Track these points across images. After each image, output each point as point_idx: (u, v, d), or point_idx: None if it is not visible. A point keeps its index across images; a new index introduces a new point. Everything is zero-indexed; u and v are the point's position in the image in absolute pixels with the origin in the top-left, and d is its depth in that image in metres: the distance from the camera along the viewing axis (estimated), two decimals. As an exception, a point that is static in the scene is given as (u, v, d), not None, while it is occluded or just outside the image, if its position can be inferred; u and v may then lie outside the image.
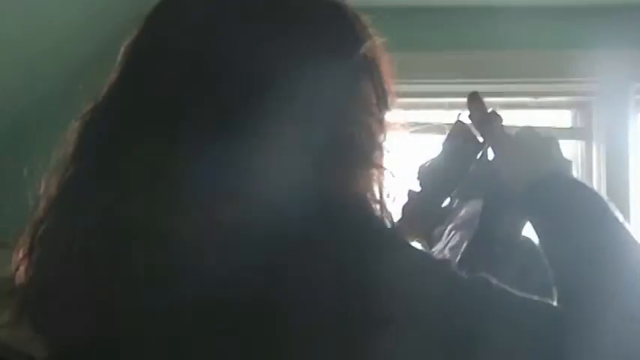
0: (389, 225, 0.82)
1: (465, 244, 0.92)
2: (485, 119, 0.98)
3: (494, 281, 0.77)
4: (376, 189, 0.84)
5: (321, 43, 0.84)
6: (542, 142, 0.96)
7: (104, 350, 0.77)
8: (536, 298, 0.78)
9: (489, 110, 1.00)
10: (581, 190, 0.91)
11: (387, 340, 0.70)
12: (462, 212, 0.97)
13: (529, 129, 0.98)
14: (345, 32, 0.87)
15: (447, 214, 0.97)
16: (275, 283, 0.72)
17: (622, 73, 2.47)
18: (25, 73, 2.27)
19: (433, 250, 0.97)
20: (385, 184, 0.85)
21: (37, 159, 0.85)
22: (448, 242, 0.96)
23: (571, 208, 0.89)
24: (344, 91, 0.84)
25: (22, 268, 0.83)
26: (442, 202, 0.96)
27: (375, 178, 0.84)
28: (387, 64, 0.90)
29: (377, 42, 0.90)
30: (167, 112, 0.79)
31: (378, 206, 0.83)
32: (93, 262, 0.77)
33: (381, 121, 0.88)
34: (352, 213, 0.78)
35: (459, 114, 0.98)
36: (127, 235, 0.75)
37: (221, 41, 0.80)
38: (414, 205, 0.94)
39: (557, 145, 0.96)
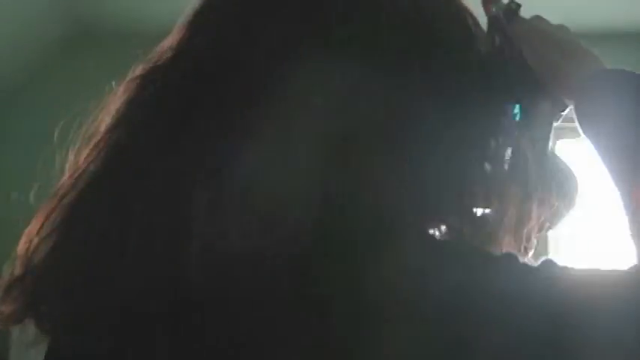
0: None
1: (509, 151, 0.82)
2: (506, 14, 0.87)
3: (502, 283, 0.66)
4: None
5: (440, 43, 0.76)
6: (564, 32, 0.86)
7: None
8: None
9: (506, 1, 0.89)
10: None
11: (383, 341, 0.63)
12: None
13: (541, 19, 0.88)
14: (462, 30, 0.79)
15: None
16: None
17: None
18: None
19: None
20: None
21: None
22: None
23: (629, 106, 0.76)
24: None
25: (36, 254, 0.71)
26: None
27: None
28: None
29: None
30: (219, 97, 0.70)
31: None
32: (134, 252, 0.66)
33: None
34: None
35: (493, 8, 0.88)
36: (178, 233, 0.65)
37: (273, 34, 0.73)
38: None
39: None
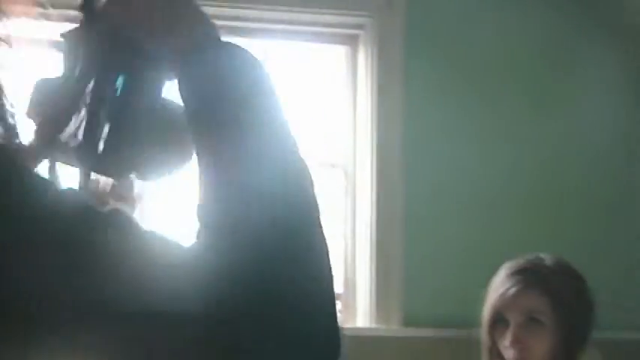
0: None
1: (107, 124, 0.78)
2: None
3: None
4: None
5: None
6: None
7: None
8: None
9: None
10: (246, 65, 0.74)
11: None
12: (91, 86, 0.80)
13: None
14: None
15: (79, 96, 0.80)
16: None
17: (391, 8, 2.46)
18: None
19: (64, 134, 0.80)
20: None
21: None
22: (80, 123, 0.78)
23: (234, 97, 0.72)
24: None
25: None
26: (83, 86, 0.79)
27: None
28: None
29: None
30: None
31: None
32: None
33: None
34: None
35: None
36: None
37: None
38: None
39: None
